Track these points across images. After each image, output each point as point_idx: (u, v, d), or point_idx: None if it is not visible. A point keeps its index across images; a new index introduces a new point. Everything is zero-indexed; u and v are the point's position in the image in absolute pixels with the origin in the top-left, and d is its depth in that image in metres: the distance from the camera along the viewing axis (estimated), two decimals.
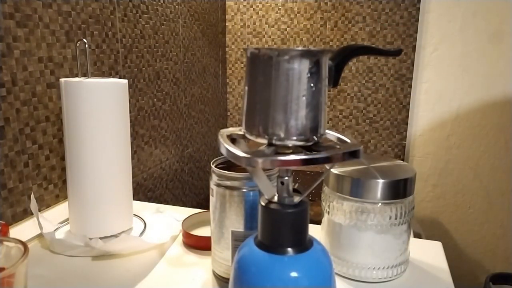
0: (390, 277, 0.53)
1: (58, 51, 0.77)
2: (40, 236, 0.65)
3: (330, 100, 1.53)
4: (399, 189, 0.50)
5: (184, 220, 0.67)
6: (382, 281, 0.53)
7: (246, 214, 0.48)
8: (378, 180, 0.49)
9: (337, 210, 0.52)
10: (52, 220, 0.69)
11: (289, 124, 0.33)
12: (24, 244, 0.39)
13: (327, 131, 0.37)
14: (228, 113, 1.67)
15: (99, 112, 0.61)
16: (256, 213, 0.48)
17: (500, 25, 1.33)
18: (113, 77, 0.94)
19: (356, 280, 0.53)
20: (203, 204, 1.42)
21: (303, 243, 0.35)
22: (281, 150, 0.34)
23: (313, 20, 1.48)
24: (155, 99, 1.12)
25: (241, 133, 0.37)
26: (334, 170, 0.52)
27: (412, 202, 0.53)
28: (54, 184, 0.79)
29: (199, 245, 0.62)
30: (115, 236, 0.64)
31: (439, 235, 1.53)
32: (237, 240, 0.49)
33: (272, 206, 0.35)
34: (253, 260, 0.35)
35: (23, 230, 0.67)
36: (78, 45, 0.70)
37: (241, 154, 0.32)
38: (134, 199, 0.70)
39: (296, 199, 0.36)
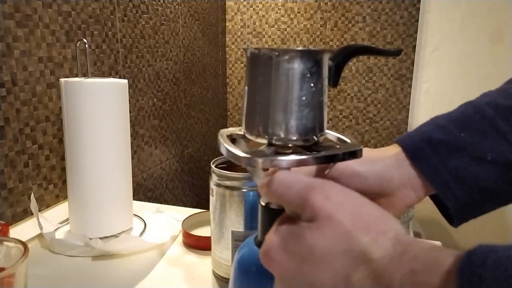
0: None
1: (58, 51, 0.77)
2: (40, 236, 0.65)
3: (330, 100, 1.53)
4: None
5: (184, 220, 0.67)
6: None
7: (246, 214, 0.48)
8: None
9: None
10: (52, 220, 0.69)
11: (289, 124, 0.33)
12: (24, 244, 0.39)
13: (327, 131, 0.37)
14: (228, 113, 1.67)
15: (99, 112, 0.61)
16: (256, 213, 0.48)
17: (500, 25, 1.33)
18: (113, 77, 0.94)
19: None
20: (203, 204, 1.42)
21: None
22: (281, 150, 0.34)
23: (313, 20, 1.48)
24: (155, 99, 1.12)
25: (241, 133, 0.37)
26: None
27: None
28: (54, 184, 0.79)
29: (199, 245, 0.62)
30: (115, 236, 0.64)
31: (439, 235, 1.53)
32: (237, 240, 0.49)
33: (272, 206, 0.35)
34: (253, 260, 0.35)
35: (23, 230, 0.67)
36: (78, 45, 0.70)
37: (241, 154, 0.32)
38: (134, 199, 0.70)
39: None
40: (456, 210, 0.39)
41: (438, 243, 0.65)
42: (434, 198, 0.40)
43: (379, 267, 0.24)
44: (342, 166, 0.36)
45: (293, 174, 0.29)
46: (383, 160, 0.38)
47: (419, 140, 0.38)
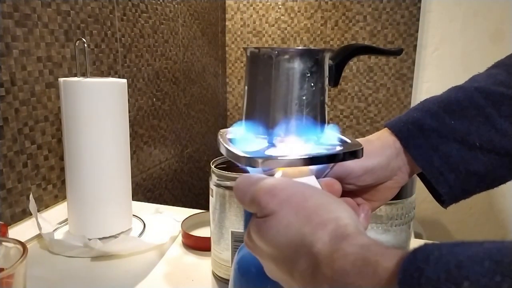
0: None
1: (57, 50, 0.77)
2: (39, 236, 0.64)
3: (330, 99, 1.53)
4: (400, 189, 0.50)
5: (183, 221, 0.67)
6: None
7: (246, 215, 0.48)
8: None
9: None
10: (51, 220, 0.68)
11: (289, 124, 0.33)
12: (23, 244, 0.39)
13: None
14: (228, 113, 1.67)
15: (98, 112, 0.61)
16: None
17: (501, 24, 1.33)
18: (112, 76, 0.94)
19: None
20: (203, 204, 1.42)
21: None
22: (281, 150, 0.34)
23: (314, 19, 1.48)
24: (154, 99, 1.11)
25: None
26: None
27: (413, 202, 0.53)
28: (53, 184, 0.78)
29: (199, 245, 0.62)
30: (114, 236, 0.64)
31: (440, 236, 1.53)
32: (237, 240, 0.49)
33: None
34: (253, 261, 0.35)
35: (22, 231, 0.67)
36: (77, 44, 0.69)
37: (241, 154, 0.32)
38: (133, 200, 0.70)
39: None
40: (448, 195, 0.40)
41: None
42: (423, 179, 0.41)
43: (317, 261, 0.24)
44: (351, 165, 0.37)
45: (249, 177, 0.31)
46: (384, 151, 0.39)
47: (412, 128, 0.39)
